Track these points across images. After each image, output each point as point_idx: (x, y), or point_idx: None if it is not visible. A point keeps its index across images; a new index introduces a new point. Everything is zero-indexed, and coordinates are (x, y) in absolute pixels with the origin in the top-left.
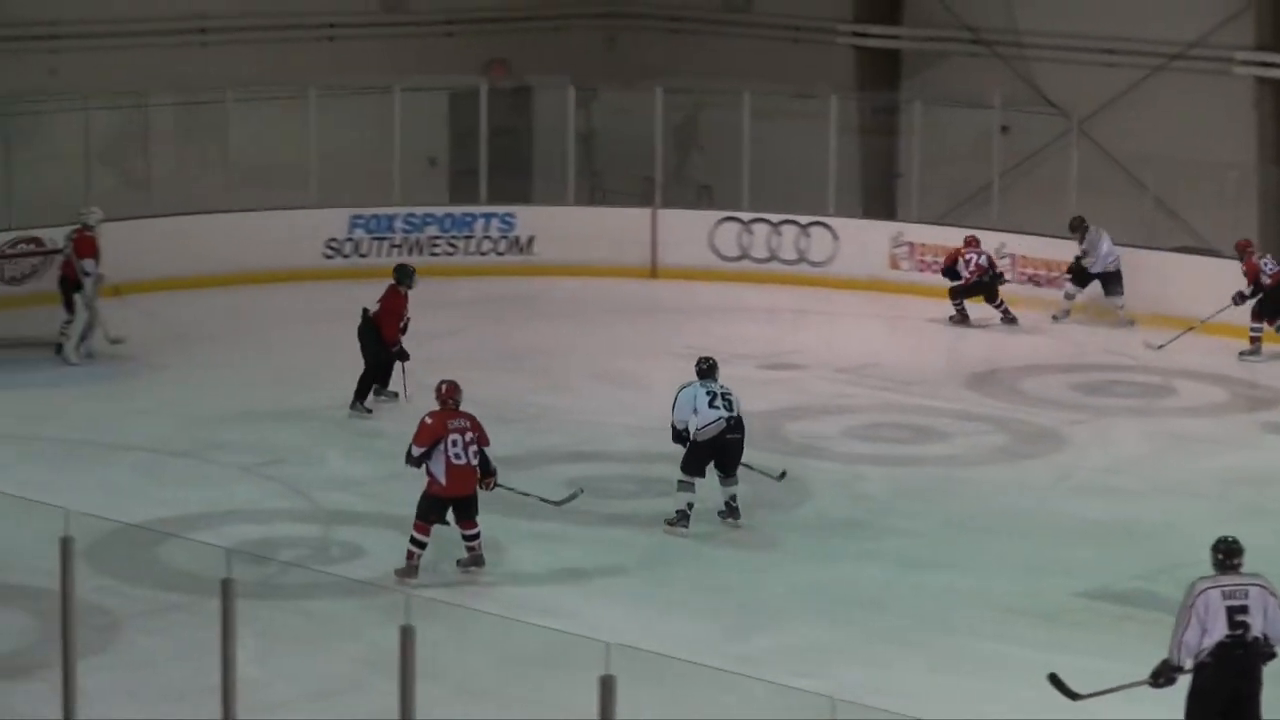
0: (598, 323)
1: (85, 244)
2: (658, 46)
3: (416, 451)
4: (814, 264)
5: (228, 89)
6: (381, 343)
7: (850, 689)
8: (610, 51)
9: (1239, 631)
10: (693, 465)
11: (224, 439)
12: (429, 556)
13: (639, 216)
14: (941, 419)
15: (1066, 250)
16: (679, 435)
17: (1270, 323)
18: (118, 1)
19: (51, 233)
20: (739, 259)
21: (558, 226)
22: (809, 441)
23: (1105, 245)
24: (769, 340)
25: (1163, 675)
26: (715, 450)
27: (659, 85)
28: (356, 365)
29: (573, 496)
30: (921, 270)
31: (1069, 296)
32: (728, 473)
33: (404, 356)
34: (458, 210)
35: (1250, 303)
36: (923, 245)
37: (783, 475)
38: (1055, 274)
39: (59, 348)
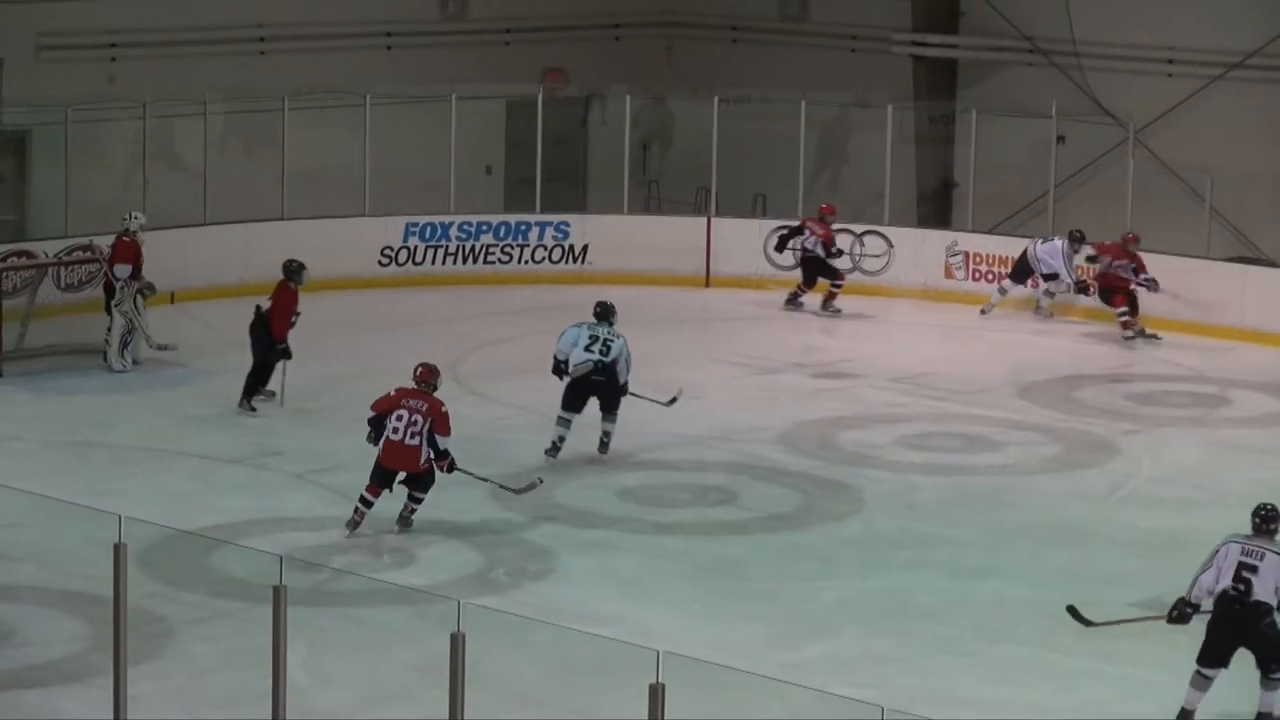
0: (651, 331)
1: (121, 249)
2: (715, 56)
3: (370, 416)
4: (868, 273)
5: (285, 97)
6: (270, 340)
7: (900, 698)
8: (668, 61)
9: (1240, 586)
10: (567, 401)
11: (277, 446)
12: (480, 564)
13: (693, 225)
14: (994, 428)
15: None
16: (557, 367)
17: None
18: (176, 10)
19: (108, 240)
20: (793, 268)
21: (612, 235)
22: (861, 451)
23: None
24: (822, 349)
25: (1176, 610)
26: (586, 389)
27: (716, 94)
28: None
29: (532, 485)
30: (976, 279)
31: (1003, 292)
32: (607, 410)
33: (286, 355)
34: (513, 219)
35: None
36: (978, 255)
37: (673, 400)
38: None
39: (105, 355)
